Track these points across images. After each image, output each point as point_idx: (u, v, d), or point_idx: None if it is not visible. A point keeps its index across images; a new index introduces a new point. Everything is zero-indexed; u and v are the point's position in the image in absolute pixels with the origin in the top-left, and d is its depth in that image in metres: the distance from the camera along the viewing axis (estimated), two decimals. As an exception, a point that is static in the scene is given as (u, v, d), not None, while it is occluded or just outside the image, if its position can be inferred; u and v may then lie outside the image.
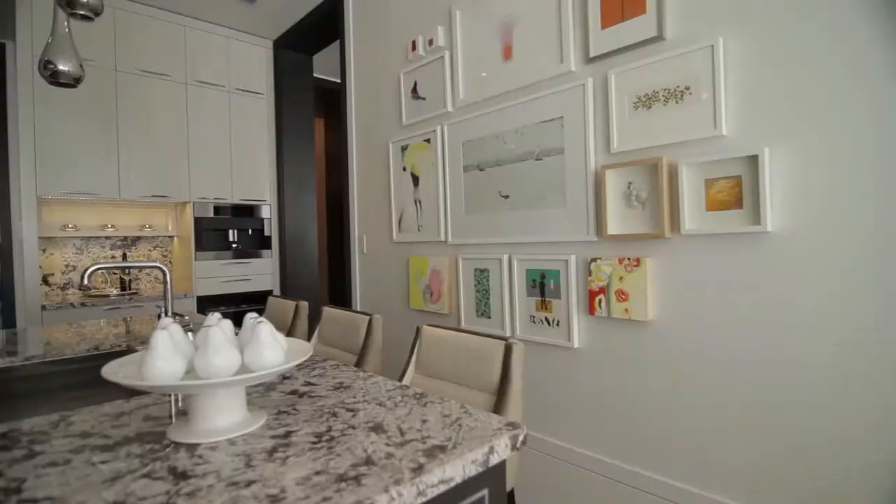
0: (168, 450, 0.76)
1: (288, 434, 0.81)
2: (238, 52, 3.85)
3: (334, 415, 0.90)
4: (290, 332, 2.05)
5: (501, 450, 0.78)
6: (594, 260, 1.75)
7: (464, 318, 2.28)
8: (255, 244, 3.91)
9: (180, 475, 0.68)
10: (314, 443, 0.77)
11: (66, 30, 1.89)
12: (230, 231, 3.77)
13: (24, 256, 2.97)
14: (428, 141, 2.48)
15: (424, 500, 0.66)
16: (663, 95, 1.56)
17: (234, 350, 0.79)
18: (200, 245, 3.60)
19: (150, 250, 3.79)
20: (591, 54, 1.74)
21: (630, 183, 1.65)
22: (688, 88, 1.51)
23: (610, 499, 1.76)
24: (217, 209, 3.71)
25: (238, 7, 3.50)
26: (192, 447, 0.77)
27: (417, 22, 2.56)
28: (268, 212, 3.99)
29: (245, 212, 3.87)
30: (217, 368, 0.77)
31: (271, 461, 0.71)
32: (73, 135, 3.10)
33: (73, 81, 1.89)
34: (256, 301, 3.88)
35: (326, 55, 4.31)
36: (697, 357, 1.53)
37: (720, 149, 1.46)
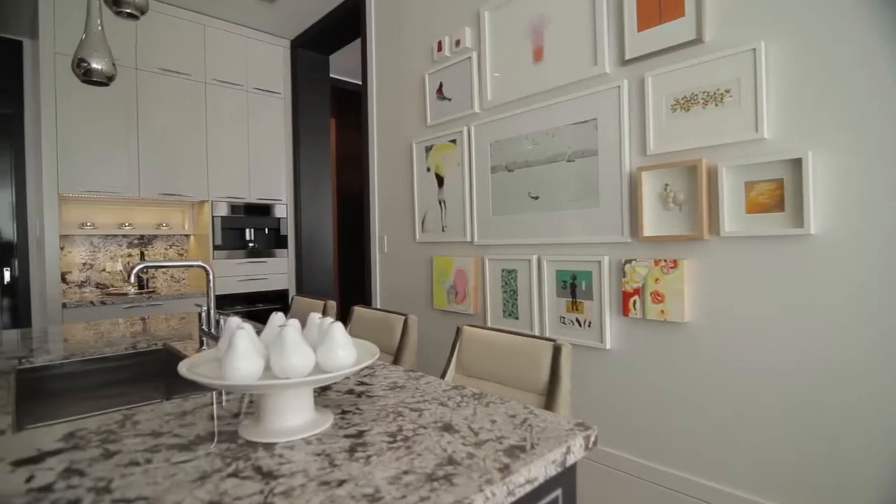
0: (246, 449, 0.76)
1: (361, 434, 0.81)
2: (256, 52, 3.86)
3: (400, 414, 0.90)
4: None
5: (577, 450, 0.79)
6: (629, 261, 1.75)
7: (490, 319, 2.28)
8: (271, 243, 3.91)
9: (267, 474, 0.68)
10: (390, 442, 0.78)
11: (100, 28, 1.89)
12: (247, 230, 3.78)
13: (46, 255, 2.97)
14: (454, 142, 2.48)
15: (513, 499, 0.67)
16: (702, 98, 1.56)
17: (309, 349, 0.80)
18: (216, 244, 3.60)
19: (165, 249, 3.79)
20: (627, 56, 1.74)
21: (667, 185, 1.66)
22: (728, 91, 1.51)
23: (643, 499, 1.76)
24: (233, 208, 3.71)
25: (258, 7, 3.50)
26: (268, 446, 0.77)
27: (442, 23, 2.56)
28: (284, 211, 3.99)
29: (261, 211, 3.87)
30: (294, 368, 0.77)
31: (354, 461, 0.71)
32: (94, 133, 3.10)
33: (107, 80, 1.89)
34: (272, 300, 3.88)
35: (339, 56, 4.32)
36: (734, 358, 1.54)
37: (761, 152, 1.46)
